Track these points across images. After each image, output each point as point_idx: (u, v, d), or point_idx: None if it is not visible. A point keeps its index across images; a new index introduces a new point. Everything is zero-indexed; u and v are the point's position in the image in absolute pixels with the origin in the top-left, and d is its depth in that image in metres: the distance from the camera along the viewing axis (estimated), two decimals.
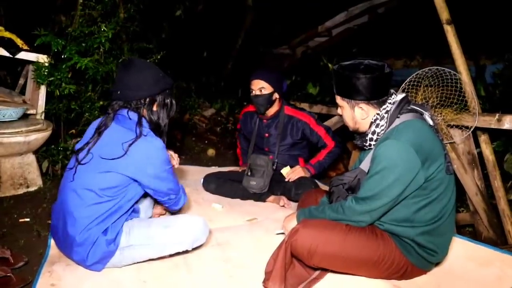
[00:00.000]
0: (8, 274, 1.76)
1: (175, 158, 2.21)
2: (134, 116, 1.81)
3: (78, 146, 1.84)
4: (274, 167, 2.86)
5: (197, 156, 4.11)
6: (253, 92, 2.79)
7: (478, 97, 2.63)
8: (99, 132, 1.81)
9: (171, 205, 1.94)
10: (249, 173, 2.85)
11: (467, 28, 3.28)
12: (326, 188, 2.34)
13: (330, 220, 1.74)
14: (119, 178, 1.73)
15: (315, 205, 1.94)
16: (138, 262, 1.88)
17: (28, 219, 2.40)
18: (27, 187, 2.79)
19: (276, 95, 2.81)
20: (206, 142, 4.45)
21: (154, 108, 1.88)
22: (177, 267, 1.90)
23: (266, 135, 2.95)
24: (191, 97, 5.13)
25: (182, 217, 1.94)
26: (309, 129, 2.87)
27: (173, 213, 2.18)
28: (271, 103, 2.82)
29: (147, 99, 1.83)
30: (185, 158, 3.97)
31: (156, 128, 1.88)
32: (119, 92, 1.82)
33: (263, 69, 2.85)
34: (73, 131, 3.02)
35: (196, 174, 3.22)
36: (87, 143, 1.81)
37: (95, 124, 1.90)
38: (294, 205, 2.68)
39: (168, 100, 1.91)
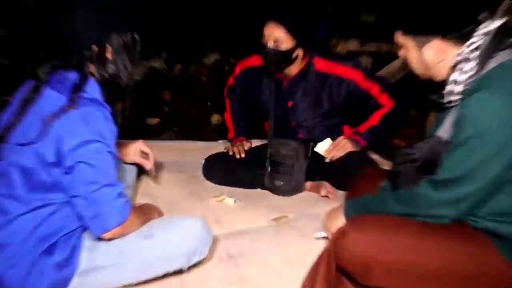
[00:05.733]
0: None
1: (149, 156, 2.22)
2: (72, 77, 1.73)
3: None
4: (309, 154, 2.85)
5: (195, 125, 4.16)
6: (265, 40, 2.69)
7: None
8: (22, 109, 1.73)
9: (89, 221, 1.70)
10: (270, 169, 2.84)
11: None
12: (388, 166, 2.34)
13: (396, 215, 1.72)
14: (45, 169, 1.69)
15: (373, 193, 1.94)
16: None
17: None
18: None
19: (299, 52, 2.72)
20: (208, 104, 4.51)
21: (109, 56, 1.80)
22: None
23: (290, 103, 2.89)
24: (182, 38, 5.09)
25: (171, 221, 1.95)
26: (356, 89, 2.80)
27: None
28: (287, 62, 2.74)
29: (94, 49, 1.75)
30: (177, 130, 4.04)
31: (114, 87, 1.83)
32: (50, 47, 1.77)
33: (286, 6, 2.72)
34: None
35: (194, 153, 3.24)
36: (6, 128, 1.74)
37: (19, 95, 1.82)
38: (341, 194, 2.67)
39: (128, 38, 1.82)
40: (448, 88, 1.68)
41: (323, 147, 2.85)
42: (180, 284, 1.96)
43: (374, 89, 2.81)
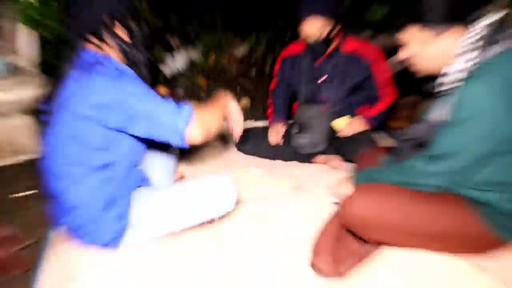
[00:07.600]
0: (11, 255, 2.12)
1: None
2: (90, 55, 1.86)
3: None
4: (331, 121, 3.08)
5: None
6: (304, 32, 2.88)
7: None
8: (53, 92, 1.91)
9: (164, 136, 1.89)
10: (297, 131, 3.10)
11: None
12: (386, 144, 2.71)
13: (393, 184, 1.92)
14: (98, 129, 1.84)
15: (375, 166, 2.13)
16: (159, 238, 2.16)
17: (36, 191, 2.88)
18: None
19: (336, 28, 2.92)
20: (238, 89, 4.88)
21: (120, 33, 1.93)
22: (206, 243, 2.20)
23: (320, 80, 3.11)
24: (216, 32, 5.33)
25: (200, 179, 2.20)
26: (370, 70, 3.01)
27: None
28: (330, 41, 2.95)
29: (101, 23, 1.86)
30: None
31: (136, 58, 1.99)
32: (69, 29, 1.89)
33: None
34: None
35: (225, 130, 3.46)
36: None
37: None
38: (348, 166, 2.97)
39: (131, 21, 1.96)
40: (451, 76, 1.78)
41: (339, 122, 3.05)
42: (214, 234, 2.24)
43: (384, 77, 3.01)
